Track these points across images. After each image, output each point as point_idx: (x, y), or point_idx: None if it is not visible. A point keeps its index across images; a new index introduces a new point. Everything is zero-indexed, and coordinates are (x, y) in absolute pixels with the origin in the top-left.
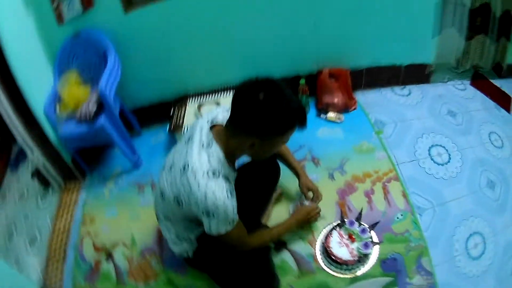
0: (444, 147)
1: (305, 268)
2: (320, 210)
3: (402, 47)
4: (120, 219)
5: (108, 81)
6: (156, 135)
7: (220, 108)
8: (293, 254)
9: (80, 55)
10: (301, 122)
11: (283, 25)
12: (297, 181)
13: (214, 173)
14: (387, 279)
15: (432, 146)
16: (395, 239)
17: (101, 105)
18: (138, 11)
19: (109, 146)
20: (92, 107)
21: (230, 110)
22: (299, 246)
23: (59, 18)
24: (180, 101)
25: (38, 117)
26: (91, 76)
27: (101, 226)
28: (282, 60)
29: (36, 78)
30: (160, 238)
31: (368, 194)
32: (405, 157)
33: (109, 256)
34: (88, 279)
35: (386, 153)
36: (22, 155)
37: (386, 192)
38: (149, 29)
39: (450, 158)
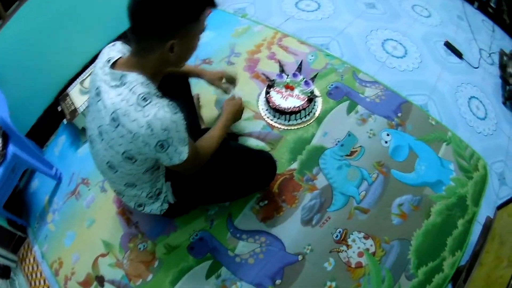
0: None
1: (271, 139)
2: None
3: None
4: (80, 237)
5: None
6: (57, 142)
7: (105, 50)
8: (251, 135)
9: None
10: None
11: None
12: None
13: (145, 98)
14: (345, 104)
15: (299, 0)
16: (324, 73)
17: (3, 137)
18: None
19: (24, 190)
20: None
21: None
22: (250, 126)
23: None
24: (61, 95)
25: None
26: None
27: (70, 260)
28: None
29: None
30: (127, 219)
31: (272, 57)
32: (280, 19)
33: (100, 279)
34: None
35: (261, 25)
36: None
37: (284, 48)
38: (15, 43)
39: (319, 5)
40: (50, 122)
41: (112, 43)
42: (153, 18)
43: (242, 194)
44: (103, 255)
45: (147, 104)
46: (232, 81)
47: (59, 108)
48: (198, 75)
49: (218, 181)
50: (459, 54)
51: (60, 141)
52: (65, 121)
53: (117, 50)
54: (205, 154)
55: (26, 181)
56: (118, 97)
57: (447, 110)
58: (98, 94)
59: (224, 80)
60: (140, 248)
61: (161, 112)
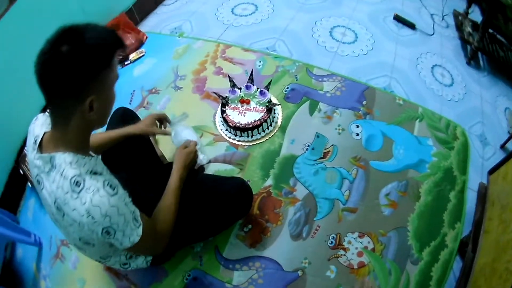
0: (248, 3)
1: (238, 159)
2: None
3: None
4: None
5: None
6: (27, 206)
7: (30, 127)
8: (216, 161)
9: None
10: (117, 40)
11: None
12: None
13: (77, 183)
14: (306, 105)
15: (235, 6)
16: (277, 77)
17: None
18: None
19: (11, 261)
20: None
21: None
22: (213, 151)
23: None
24: (20, 156)
25: None
26: None
27: None
28: None
29: None
30: (116, 274)
31: (219, 72)
32: (218, 30)
33: None
34: None
35: (201, 40)
36: None
37: (230, 60)
38: None
39: (256, 7)
40: (17, 186)
41: (35, 117)
42: (63, 75)
43: (223, 227)
44: None
45: (81, 190)
46: (162, 119)
47: (21, 171)
48: (133, 132)
49: (195, 220)
50: (411, 25)
51: (30, 204)
52: (29, 184)
53: (41, 125)
54: (165, 225)
55: (11, 251)
56: (54, 185)
57: (412, 86)
58: (39, 182)
59: (157, 123)
60: None
61: (97, 198)
